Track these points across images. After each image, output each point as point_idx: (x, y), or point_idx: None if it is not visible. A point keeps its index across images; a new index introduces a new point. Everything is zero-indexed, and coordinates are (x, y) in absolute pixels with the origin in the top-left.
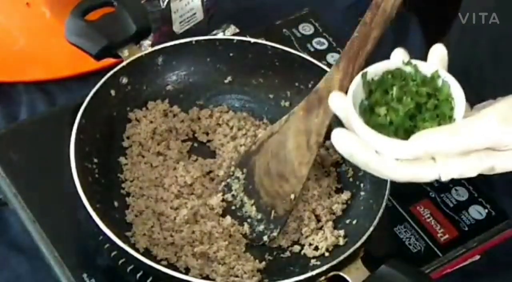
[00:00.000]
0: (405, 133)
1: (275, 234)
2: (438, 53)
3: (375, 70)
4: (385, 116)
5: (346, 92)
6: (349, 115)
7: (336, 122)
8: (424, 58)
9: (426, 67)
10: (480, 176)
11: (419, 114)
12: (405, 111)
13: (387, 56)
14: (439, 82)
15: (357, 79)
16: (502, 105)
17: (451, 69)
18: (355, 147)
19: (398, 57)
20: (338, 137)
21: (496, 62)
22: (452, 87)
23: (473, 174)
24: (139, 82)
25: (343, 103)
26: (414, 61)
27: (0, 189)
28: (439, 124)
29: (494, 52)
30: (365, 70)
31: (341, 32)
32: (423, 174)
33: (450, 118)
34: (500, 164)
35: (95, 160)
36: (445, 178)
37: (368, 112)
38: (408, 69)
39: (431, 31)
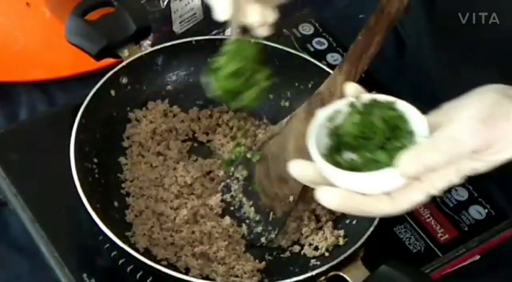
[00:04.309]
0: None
1: (273, 235)
2: (354, 89)
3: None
4: (352, 160)
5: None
6: (323, 170)
7: None
8: None
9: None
10: (481, 176)
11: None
12: (377, 144)
13: (387, 57)
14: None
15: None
16: (475, 107)
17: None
18: (345, 199)
19: (352, 91)
20: (326, 197)
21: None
22: (398, 105)
23: (459, 181)
24: (139, 82)
25: (307, 165)
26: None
27: (0, 189)
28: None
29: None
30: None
31: (341, 32)
32: (416, 197)
33: (410, 133)
34: (483, 164)
35: (95, 160)
36: (437, 192)
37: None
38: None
39: None
